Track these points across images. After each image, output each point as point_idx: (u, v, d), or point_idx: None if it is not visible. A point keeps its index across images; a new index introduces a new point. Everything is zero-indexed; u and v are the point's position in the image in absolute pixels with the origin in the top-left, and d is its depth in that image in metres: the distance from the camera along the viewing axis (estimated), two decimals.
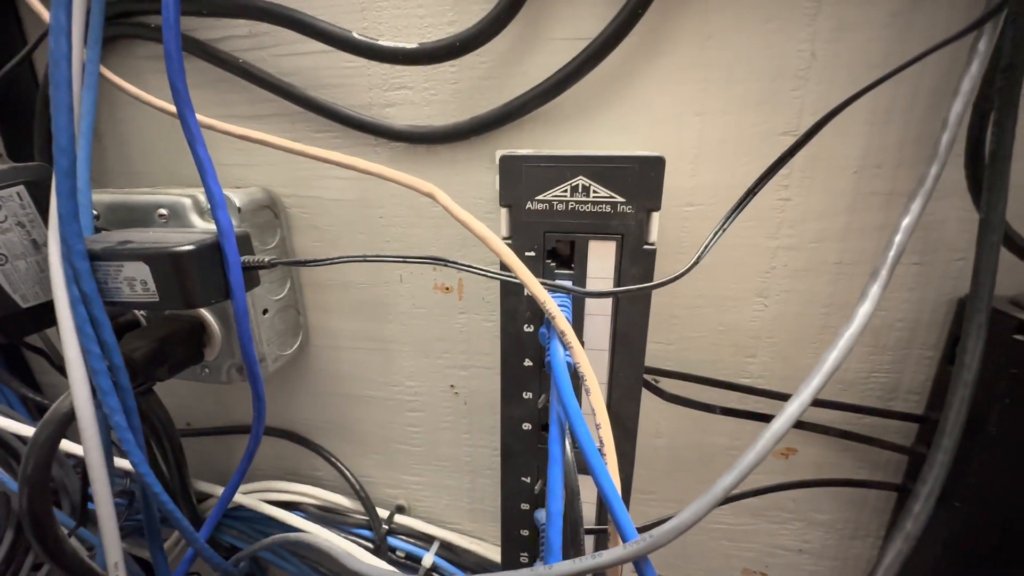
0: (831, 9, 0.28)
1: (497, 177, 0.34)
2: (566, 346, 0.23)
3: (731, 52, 0.30)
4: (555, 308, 0.23)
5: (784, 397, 0.35)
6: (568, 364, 0.23)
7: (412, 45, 0.31)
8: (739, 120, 0.31)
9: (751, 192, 0.25)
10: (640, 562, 0.21)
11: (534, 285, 0.23)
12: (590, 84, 0.31)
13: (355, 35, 0.31)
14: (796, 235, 0.32)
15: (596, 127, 0.33)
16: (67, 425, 0.29)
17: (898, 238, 0.22)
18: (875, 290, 0.21)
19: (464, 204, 0.36)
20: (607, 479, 0.21)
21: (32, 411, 0.53)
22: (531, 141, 0.34)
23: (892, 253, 0.22)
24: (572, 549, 0.24)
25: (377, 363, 0.43)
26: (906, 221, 0.22)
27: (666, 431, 0.39)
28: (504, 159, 0.25)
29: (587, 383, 0.22)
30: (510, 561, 0.34)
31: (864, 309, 0.21)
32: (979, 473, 0.29)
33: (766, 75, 0.30)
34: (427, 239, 0.38)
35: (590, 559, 0.21)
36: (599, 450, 0.22)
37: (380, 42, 0.31)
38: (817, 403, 0.35)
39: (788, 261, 0.33)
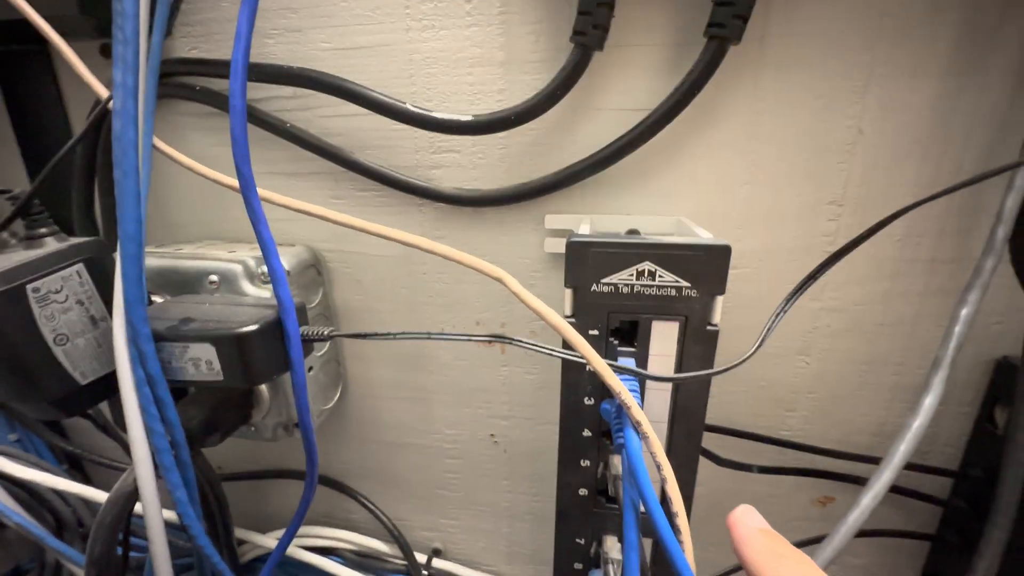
0: (879, 89, 0.29)
1: (547, 239, 0.35)
2: (642, 436, 0.23)
3: (780, 126, 0.30)
4: (631, 399, 0.23)
5: (824, 452, 0.36)
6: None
7: (467, 118, 0.32)
8: (787, 191, 0.32)
9: (812, 277, 0.26)
10: None
11: (608, 374, 0.24)
12: (642, 152, 0.32)
13: (410, 107, 0.32)
14: (839, 298, 0.33)
15: (646, 193, 0.33)
16: (132, 504, 0.29)
17: (957, 329, 0.23)
18: (937, 382, 0.22)
19: (511, 264, 0.36)
20: (686, 566, 0.22)
21: (59, 457, 0.52)
22: (580, 205, 0.34)
23: (953, 344, 0.23)
24: None
25: (417, 412, 0.43)
26: (964, 311, 0.23)
27: (707, 480, 0.40)
28: (572, 244, 0.26)
29: (663, 472, 0.23)
30: None
31: (929, 401, 0.22)
32: (1017, 525, 0.30)
33: (814, 149, 0.31)
34: (472, 294, 0.38)
35: None
36: (677, 536, 0.23)
37: (434, 114, 0.32)
38: (856, 457, 0.36)
39: (831, 322, 0.34)
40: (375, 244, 0.39)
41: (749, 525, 0.19)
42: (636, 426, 0.24)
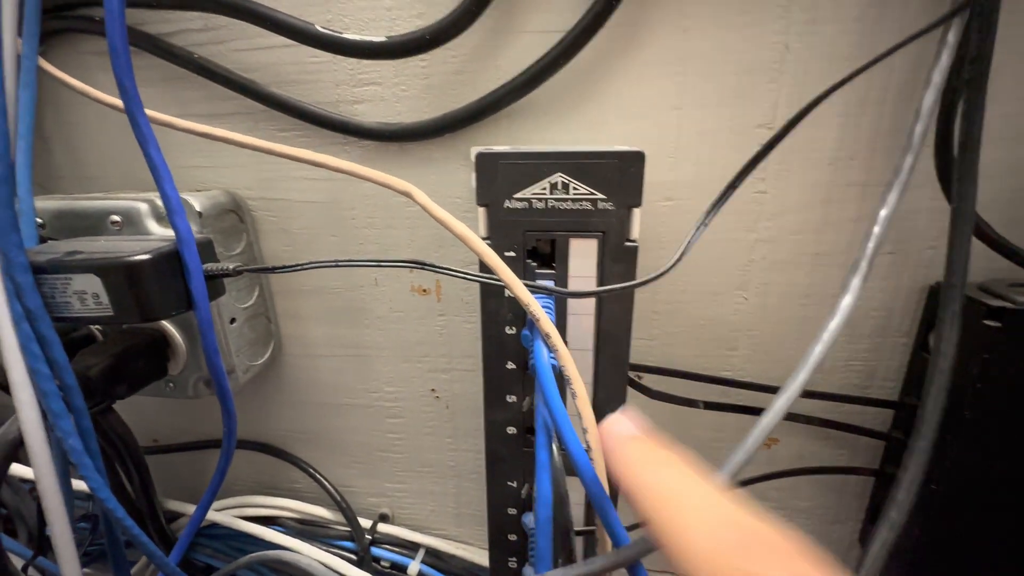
0: (804, 2, 0.28)
1: (474, 175, 0.33)
2: (551, 349, 0.22)
3: (707, 45, 0.29)
4: (539, 310, 0.22)
5: (766, 389, 0.35)
6: (553, 366, 0.22)
7: (379, 38, 0.30)
8: (716, 114, 0.31)
9: (731, 187, 0.25)
10: (633, 567, 0.20)
11: (518, 287, 0.22)
12: (566, 78, 0.31)
13: (318, 28, 0.30)
14: (774, 228, 0.32)
15: (573, 122, 0.32)
16: (14, 452, 0.27)
17: (876, 229, 0.22)
18: (856, 282, 0.21)
19: (440, 203, 0.34)
20: (596, 483, 0.21)
21: None
22: (507, 138, 0.33)
23: (872, 244, 0.22)
24: (562, 555, 0.24)
25: (355, 370, 0.41)
26: (884, 212, 0.22)
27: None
28: (480, 156, 0.25)
29: (573, 386, 0.22)
30: (499, 567, 0.33)
31: (846, 301, 0.21)
32: (955, 456, 0.29)
33: (742, 68, 0.30)
34: (403, 240, 0.37)
35: (582, 566, 0.20)
36: (587, 453, 0.21)
37: (345, 35, 0.30)
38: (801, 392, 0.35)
39: (767, 254, 0.33)
40: (301, 189, 0.37)
41: (619, 434, 0.17)
42: (546, 339, 0.22)
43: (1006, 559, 0.31)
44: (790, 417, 0.36)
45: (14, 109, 0.26)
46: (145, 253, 0.26)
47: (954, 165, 0.25)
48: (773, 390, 0.35)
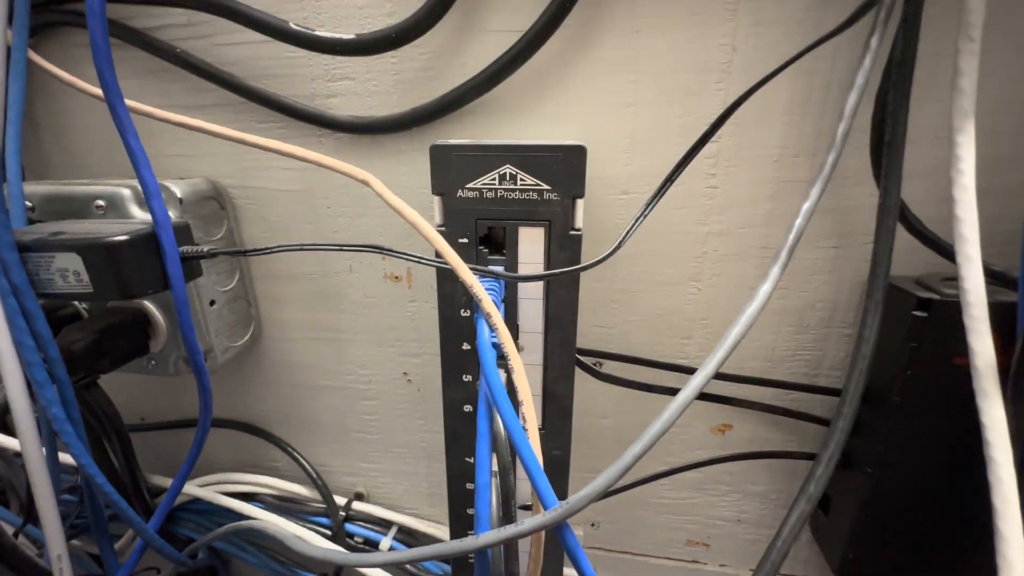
0: (749, 5, 0.30)
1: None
2: (492, 327, 0.24)
3: (659, 45, 0.31)
4: (481, 291, 0.24)
5: (719, 376, 0.37)
6: (495, 345, 0.24)
7: (349, 36, 0.31)
8: (669, 111, 0.32)
9: (668, 180, 0.26)
10: (560, 529, 0.22)
11: (462, 269, 0.24)
12: (526, 76, 0.32)
13: (292, 25, 0.32)
14: (724, 221, 0.34)
15: (534, 118, 0.34)
16: (2, 418, 0.28)
17: (797, 222, 0.24)
18: (775, 271, 0.23)
19: (408, 194, 0.37)
20: (529, 451, 0.22)
21: None
22: (471, 132, 0.34)
23: (792, 236, 0.23)
24: (505, 521, 0.26)
25: (330, 353, 0.43)
26: (805, 206, 0.24)
27: (611, 412, 0.41)
28: (435, 148, 0.26)
29: (510, 362, 0.23)
30: (457, 537, 0.35)
31: (765, 288, 0.23)
32: (886, 440, 0.31)
33: (692, 68, 0.31)
34: (374, 229, 0.38)
35: (513, 527, 0.22)
36: (522, 426, 0.23)
37: (317, 32, 0.32)
38: (749, 380, 0.37)
39: (718, 246, 0.35)
40: (278, 178, 0.38)
41: None
42: (487, 319, 0.24)
43: (935, 538, 0.32)
44: (742, 404, 0.37)
45: (3, 98, 0.28)
46: (124, 234, 0.28)
47: (882, 161, 0.27)
48: (727, 377, 0.37)
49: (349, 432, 0.46)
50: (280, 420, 0.47)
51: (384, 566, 0.41)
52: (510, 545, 0.26)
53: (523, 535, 0.22)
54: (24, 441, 0.29)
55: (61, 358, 0.29)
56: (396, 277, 0.40)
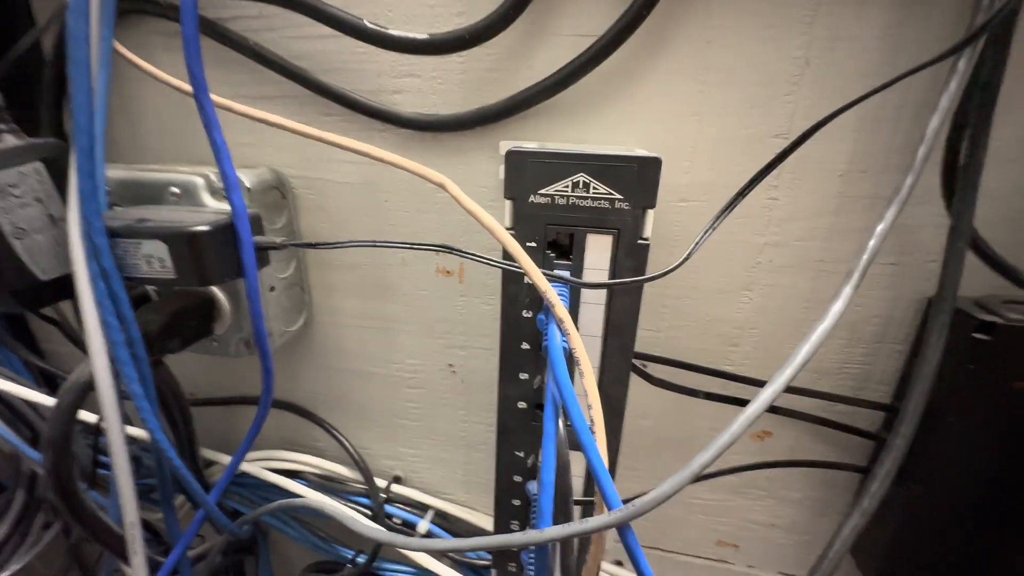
0: (827, 19, 0.29)
1: (501, 167, 0.35)
2: (564, 333, 0.25)
3: (729, 56, 0.31)
4: (555, 297, 0.24)
5: (764, 384, 0.37)
6: (564, 349, 0.25)
7: (422, 36, 0.32)
8: (734, 122, 0.32)
9: (740, 194, 0.26)
10: (623, 529, 0.23)
11: (536, 275, 0.25)
12: (593, 80, 0.32)
13: (366, 23, 0.32)
14: (782, 233, 0.34)
15: (598, 122, 0.34)
16: (86, 393, 0.30)
17: (872, 243, 0.24)
18: (847, 291, 0.23)
19: (467, 191, 0.37)
20: (596, 454, 0.23)
21: (36, 377, 0.54)
22: (535, 133, 0.35)
23: (865, 257, 0.24)
24: (562, 517, 0.27)
25: (379, 341, 0.45)
26: (880, 227, 0.24)
27: (652, 413, 0.41)
28: (510, 154, 0.27)
29: (581, 367, 0.24)
30: (502, 528, 0.36)
31: (836, 308, 0.23)
32: (937, 459, 0.31)
33: (761, 79, 0.31)
34: (432, 225, 0.39)
35: (578, 524, 0.23)
36: (590, 428, 0.24)
37: (390, 31, 0.32)
38: (793, 390, 0.37)
39: (774, 257, 0.35)
40: (339, 171, 0.39)
41: None
42: (559, 324, 0.25)
43: (978, 560, 0.33)
44: (784, 412, 0.38)
45: (104, 82, 0.29)
46: (205, 224, 0.29)
47: (957, 184, 0.27)
48: None
49: (392, 418, 0.47)
50: (326, 403, 0.49)
51: (450, 552, 0.43)
52: (567, 541, 0.27)
53: (587, 532, 0.23)
54: (107, 416, 0.30)
55: (141, 338, 0.30)
56: (448, 272, 0.41)
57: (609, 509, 0.23)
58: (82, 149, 0.27)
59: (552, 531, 0.23)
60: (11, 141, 0.30)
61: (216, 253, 0.30)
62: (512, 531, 0.36)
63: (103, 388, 0.30)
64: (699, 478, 0.38)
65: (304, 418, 0.49)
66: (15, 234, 0.29)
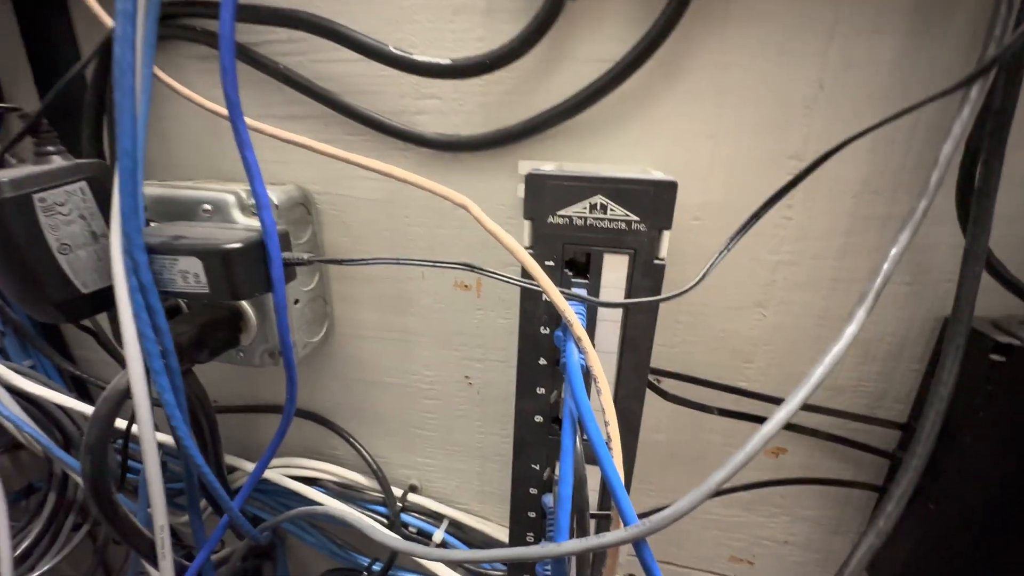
0: (841, 45, 0.30)
1: (520, 186, 0.36)
2: (581, 351, 0.25)
3: (745, 80, 0.32)
4: (573, 316, 0.25)
5: (777, 400, 0.38)
6: (581, 365, 0.26)
7: (446, 61, 0.33)
8: (748, 143, 0.33)
9: (755, 216, 0.27)
10: (639, 544, 0.23)
11: (555, 294, 0.26)
12: (611, 102, 0.33)
13: (392, 48, 0.34)
14: (796, 252, 0.35)
15: (615, 143, 0.35)
16: (123, 401, 0.32)
17: (886, 266, 0.24)
18: (861, 313, 0.24)
19: (486, 210, 0.38)
20: (613, 470, 0.24)
21: (67, 381, 0.56)
22: (552, 153, 0.36)
23: (879, 280, 0.24)
24: (578, 531, 0.27)
25: (397, 353, 0.46)
26: (894, 251, 0.24)
27: (665, 428, 0.42)
28: (530, 177, 0.28)
29: (599, 384, 0.25)
30: (517, 539, 0.37)
31: (850, 330, 0.23)
32: (953, 478, 0.31)
33: (776, 102, 0.32)
34: (450, 240, 0.40)
35: (595, 539, 0.23)
36: (607, 444, 0.25)
37: (415, 56, 0.34)
38: (808, 407, 0.37)
39: (788, 275, 0.35)
40: (362, 187, 0.41)
41: None
42: (577, 342, 0.25)
43: None
44: (799, 429, 0.38)
45: (145, 105, 0.31)
46: (238, 241, 0.30)
47: (971, 207, 0.27)
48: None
49: (409, 428, 0.48)
50: (345, 412, 0.50)
51: (468, 563, 0.44)
52: (583, 555, 0.27)
53: (604, 547, 0.23)
54: (141, 423, 0.32)
55: (174, 349, 0.32)
56: (466, 286, 0.42)
57: (626, 524, 0.23)
58: (126, 171, 0.28)
59: (569, 545, 0.24)
60: (59, 162, 0.31)
61: (247, 269, 0.31)
62: (528, 543, 0.37)
63: (139, 397, 0.31)
64: (715, 494, 0.38)
65: (323, 427, 0.50)
66: (61, 249, 0.31)
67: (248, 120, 0.32)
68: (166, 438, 0.45)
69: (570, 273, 0.30)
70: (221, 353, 0.38)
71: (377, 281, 0.43)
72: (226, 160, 0.44)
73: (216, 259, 0.30)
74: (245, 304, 0.38)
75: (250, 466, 0.50)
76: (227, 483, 0.46)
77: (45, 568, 0.50)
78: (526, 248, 0.29)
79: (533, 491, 0.35)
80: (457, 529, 0.49)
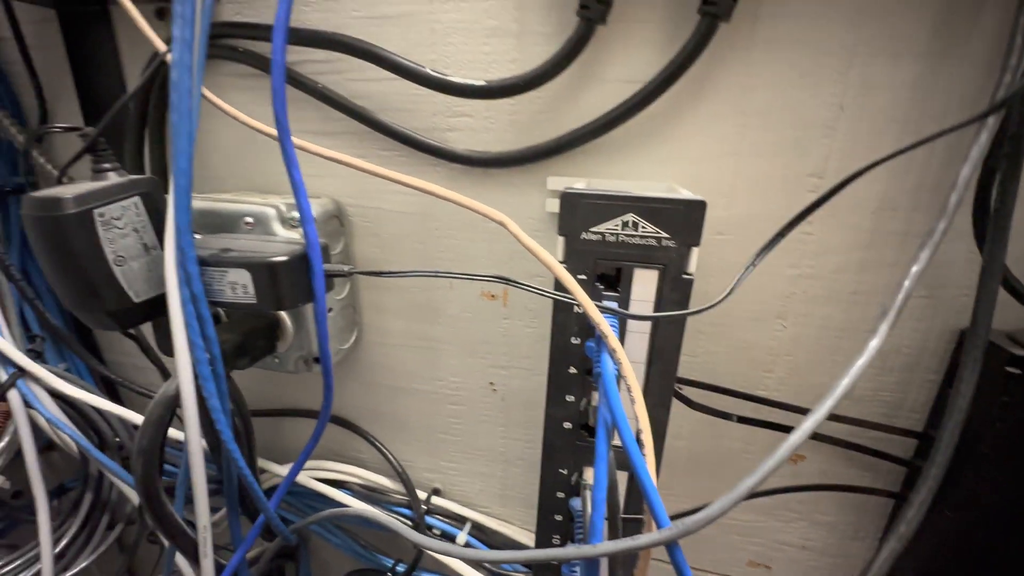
0: (861, 68, 0.31)
1: (548, 200, 0.38)
2: (615, 362, 0.27)
3: (768, 101, 0.33)
4: (608, 328, 0.27)
5: (796, 409, 0.39)
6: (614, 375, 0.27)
7: (481, 82, 0.35)
8: (771, 162, 0.34)
9: (780, 235, 0.28)
10: (672, 546, 0.25)
11: (591, 308, 0.27)
12: (638, 121, 0.35)
13: (430, 71, 0.35)
14: (816, 265, 0.36)
15: (642, 160, 0.36)
16: (174, 406, 0.33)
17: (907, 283, 0.25)
18: (884, 328, 0.25)
19: (517, 223, 0.40)
20: (647, 474, 0.25)
21: (98, 383, 0.58)
22: (581, 169, 0.37)
23: (901, 296, 0.25)
24: (611, 533, 0.28)
25: (424, 360, 0.47)
26: (915, 268, 0.26)
27: (687, 434, 0.43)
28: (566, 195, 0.29)
29: (632, 393, 0.26)
30: (544, 542, 0.38)
31: (873, 344, 0.25)
32: (971, 487, 0.32)
33: (798, 123, 0.33)
34: (479, 252, 0.42)
35: (630, 540, 0.25)
36: (640, 450, 0.26)
37: (451, 78, 0.35)
38: (828, 416, 0.38)
39: (808, 288, 0.37)
40: (394, 201, 0.42)
41: None
42: (612, 353, 0.27)
43: None
44: (818, 437, 0.39)
45: (194, 124, 0.32)
46: (284, 255, 0.32)
47: (988, 226, 0.28)
48: (803, 411, 0.39)
49: (434, 432, 0.50)
50: (371, 417, 0.51)
51: (495, 563, 0.45)
52: (615, 556, 0.29)
53: (639, 549, 0.25)
54: (189, 427, 0.33)
55: (221, 357, 0.33)
56: (492, 296, 0.43)
57: (659, 527, 0.25)
58: (180, 188, 0.30)
59: (604, 546, 0.25)
60: (114, 178, 0.33)
61: (292, 281, 0.32)
62: (553, 545, 0.38)
63: (188, 402, 0.33)
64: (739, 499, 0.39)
65: (350, 431, 0.52)
66: (116, 261, 0.32)
67: (295, 139, 0.34)
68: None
69: (601, 286, 0.31)
70: (260, 360, 0.40)
71: (406, 290, 0.45)
72: (260, 173, 0.45)
73: (264, 271, 0.32)
74: (283, 313, 0.39)
75: (277, 468, 0.52)
76: (259, 481, 0.47)
77: (80, 567, 0.51)
78: (560, 262, 0.31)
79: (560, 495, 0.36)
80: (480, 531, 0.50)
